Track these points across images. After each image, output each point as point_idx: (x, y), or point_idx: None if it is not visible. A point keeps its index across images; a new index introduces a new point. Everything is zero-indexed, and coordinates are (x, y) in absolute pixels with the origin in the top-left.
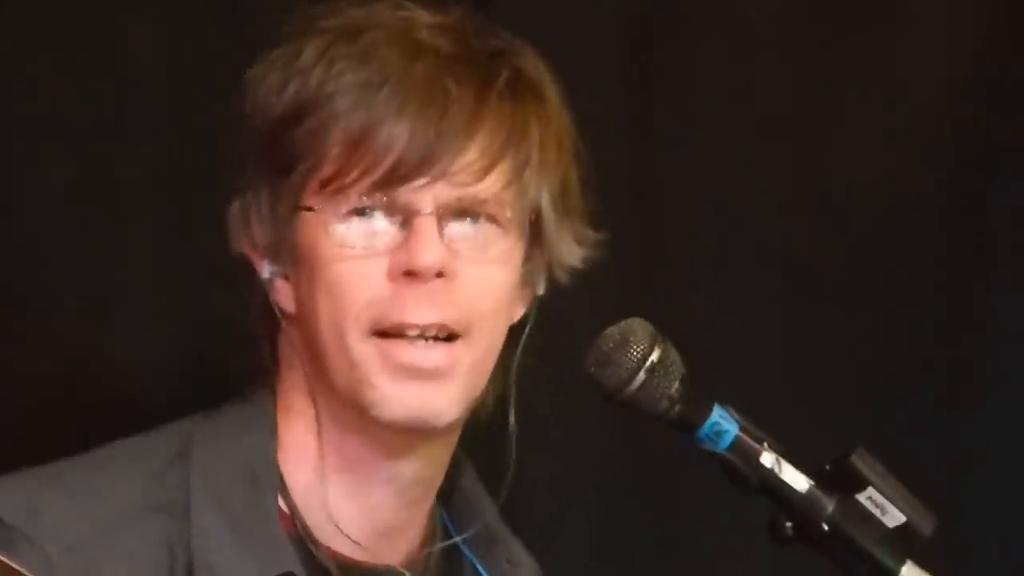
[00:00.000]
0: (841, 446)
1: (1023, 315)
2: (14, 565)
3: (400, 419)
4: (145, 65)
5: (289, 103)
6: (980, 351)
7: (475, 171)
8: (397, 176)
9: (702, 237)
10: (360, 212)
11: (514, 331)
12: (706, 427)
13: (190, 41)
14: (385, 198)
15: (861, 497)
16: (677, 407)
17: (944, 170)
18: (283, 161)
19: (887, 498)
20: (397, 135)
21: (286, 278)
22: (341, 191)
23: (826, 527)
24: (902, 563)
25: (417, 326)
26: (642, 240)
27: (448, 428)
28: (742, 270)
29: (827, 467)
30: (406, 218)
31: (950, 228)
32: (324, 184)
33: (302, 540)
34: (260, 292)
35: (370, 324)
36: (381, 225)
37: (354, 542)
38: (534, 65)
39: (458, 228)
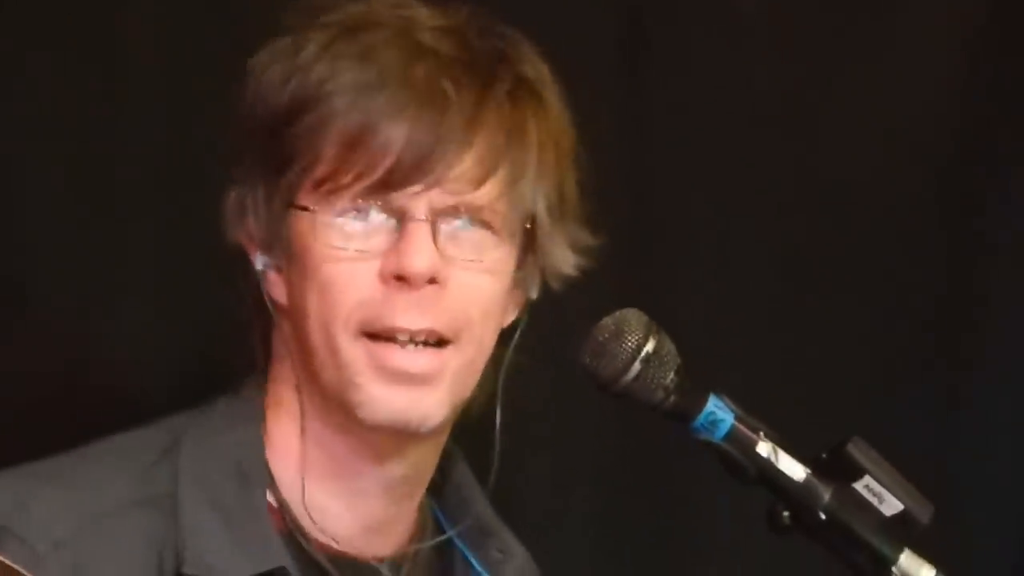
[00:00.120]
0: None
1: (1023, 315)
2: (3, 559)
3: (386, 422)
4: (144, 65)
5: (288, 98)
6: (980, 351)
7: (471, 178)
8: (392, 181)
9: (698, 233)
10: (354, 213)
11: (508, 330)
12: (702, 417)
13: (189, 41)
14: (380, 201)
15: (858, 485)
16: (672, 397)
17: (944, 170)
18: (280, 158)
19: (884, 486)
20: (394, 138)
21: (279, 271)
22: (336, 192)
23: (823, 516)
24: (900, 551)
25: (407, 331)
26: (638, 235)
27: (435, 430)
28: (739, 266)
29: (823, 456)
30: (400, 220)
31: (950, 228)
32: (319, 184)
33: (292, 535)
34: (254, 283)
35: (359, 325)
36: (374, 226)
37: (343, 537)
38: (536, 69)
39: (452, 230)
